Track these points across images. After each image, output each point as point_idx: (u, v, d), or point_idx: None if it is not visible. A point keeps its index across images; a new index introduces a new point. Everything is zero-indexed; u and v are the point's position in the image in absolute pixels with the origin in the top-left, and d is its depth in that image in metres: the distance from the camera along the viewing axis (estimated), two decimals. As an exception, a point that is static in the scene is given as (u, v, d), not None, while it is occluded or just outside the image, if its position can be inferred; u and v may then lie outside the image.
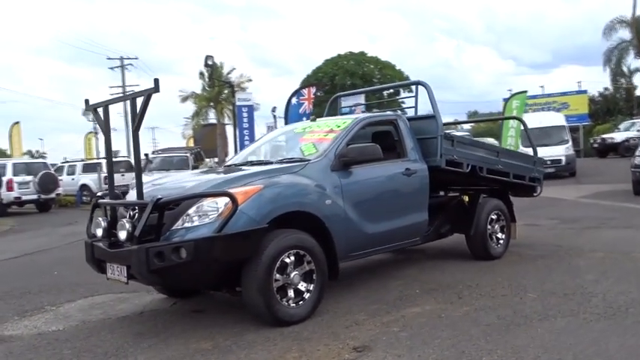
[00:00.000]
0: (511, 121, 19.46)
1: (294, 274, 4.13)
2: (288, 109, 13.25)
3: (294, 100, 13.53)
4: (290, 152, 5.06)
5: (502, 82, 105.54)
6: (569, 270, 5.60)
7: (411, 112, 6.30)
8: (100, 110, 4.46)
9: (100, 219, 4.31)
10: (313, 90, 14.20)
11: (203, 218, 3.88)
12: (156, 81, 3.76)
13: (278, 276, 4.04)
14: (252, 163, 5.08)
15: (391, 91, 43.28)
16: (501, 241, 6.39)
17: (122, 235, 3.95)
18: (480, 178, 6.16)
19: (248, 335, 3.97)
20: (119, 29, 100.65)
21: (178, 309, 4.88)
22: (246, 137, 17.57)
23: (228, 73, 28.29)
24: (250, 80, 30.36)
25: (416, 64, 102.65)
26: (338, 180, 4.61)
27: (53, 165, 22.09)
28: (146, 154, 17.41)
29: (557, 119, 20.96)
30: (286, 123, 12.83)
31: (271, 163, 4.89)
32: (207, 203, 3.92)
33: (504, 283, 5.16)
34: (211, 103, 27.61)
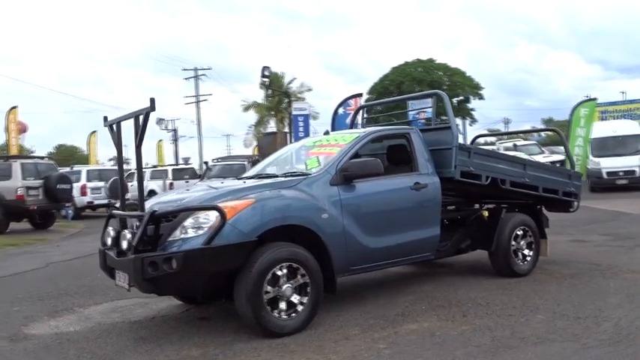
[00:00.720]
0: (578, 129, 18.55)
1: (286, 287, 4.20)
2: (335, 120, 13.32)
3: (340, 110, 13.60)
4: (296, 166, 5.15)
5: (587, 87, 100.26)
6: (594, 291, 5.30)
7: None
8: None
9: (111, 229, 4.59)
10: (360, 100, 14.18)
11: (196, 230, 4.05)
12: (152, 100, 3.97)
13: (269, 288, 4.13)
14: (260, 177, 5.22)
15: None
16: (528, 259, 6.14)
17: (124, 244, 4.20)
18: (504, 191, 5.97)
19: (238, 345, 4.08)
20: (200, 40, 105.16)
21: (187, 316, 5.09)
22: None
23: (289, 83, 28.90)
24: (310, 90, 30.76)
25: (493, 70, 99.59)
26: (337, 194, 4.64)
27: (127, 171, 23.45)
28: (206, 162, 18.07)
29: (632, 127, 19.67)
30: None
31: (276, 176, 5.00)
32: (202, 216, 4.08)
33: (518, 302, 4.97)
34: (272, 112, 28.26)
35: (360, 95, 15.10)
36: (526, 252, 6.14)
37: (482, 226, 6.02)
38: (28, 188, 13.80)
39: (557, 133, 8.12)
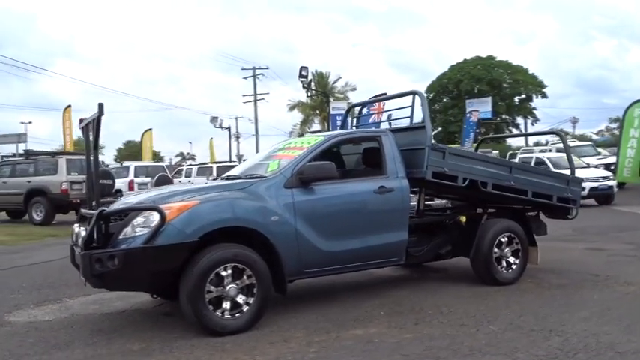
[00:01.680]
0: (632, 130, 17.46)
1: (230, 287, 4.28)
2: (359, 120, 13.24)
3: (365, 111, 13.49)
4: (260, 169, 5.22)
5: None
6: (571, 303, 5.05)
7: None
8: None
9: (76, 226, 4.85)
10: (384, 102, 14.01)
11: (142, 229, 4.21)
12: (100, 105, 4.17)
13: (212, 288, 4.23)
14: (228, 178, 5.33)
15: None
16: (514, 267, 5.91)
17: (80, 241, 4.43)
18: (487, 194, 5.79)
19: (180, 341, 4.21)
20: (268, 40, 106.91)
21: (156, 311, 5.27)
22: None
23: (334, 82, 28.96)
24: (354, 89, 30.58)
25: (569, 66, 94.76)
26: (291, 197, 4.67)
27: (188, 166, 24.48)
28: (239, 157, 18.47)
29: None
30: None
31: (240, 178, 5.10)
32: (148, 216, 4.24)
33: (481, 311, 4.82)
34: (316, 111, 28.40)
35: (384, 94, 14.87)
36: (511, 260, 5.92)
37: (464, 232, 5.85)
38: (72, 183, 14.63)
39: (558, 136, 7.70)
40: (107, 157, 50.67)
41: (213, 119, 32.70)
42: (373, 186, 5.12)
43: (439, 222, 5.97)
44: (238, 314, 4.33)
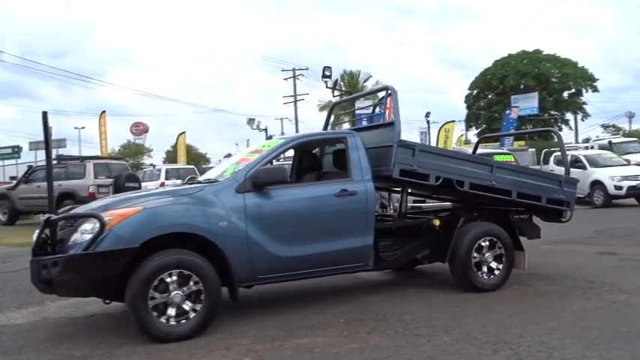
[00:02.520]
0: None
1: (175, 294, 4.24)
2: (373, 119, 12.98)
3: (377, 109, 13.19)
4: (221, 172, 5.15)
5: None
6: (546, 313, 4.74)
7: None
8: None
9: (36, 231, 4.92)
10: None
11: (87, 236, 4.23)
12: (44, 114, 4.22)
13: (156, 294, 4.19)
14: (190, 182, 5.30)
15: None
16: (496, 272, 5.61)
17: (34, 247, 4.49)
18: (465, 194, 5.54)
19: (124, 348, 4.18)
20: (315, 41, 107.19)
21: (121, 316, 5.28)
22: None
23: (365, 81, 28.51)
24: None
25: (630, 58, 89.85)
26: (242, 202, 4.58)
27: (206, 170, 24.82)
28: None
29: None
30: None
31: (200, 183, 5.06)
32: (92, 223, 4.25)
33: (445, 321, 4.58)
34: (346, 111, 28.04)
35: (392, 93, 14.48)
36: (494, 265, 5.61)
37: (440, 236, 5.60)
38: (99, 186, 15.06)
39: (553, 134, 7.22)
40: (156, 160, 52.04)
41: (250, 121, 32.96)
42: (334, 189, 4.96)
43: (416, 225, 5.73)
44: (184, 321, 4.28)
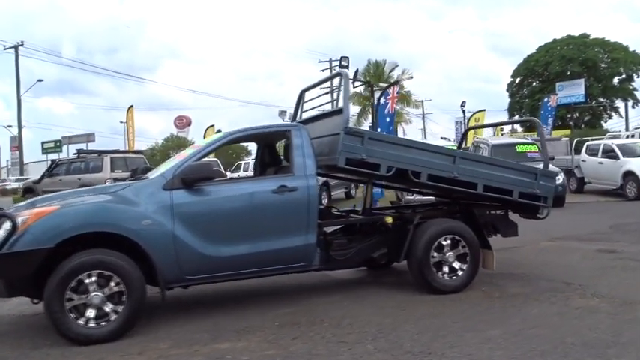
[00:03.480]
0: None
1: (94, 295, 4.11)
2: (377, 110, 12.49)
3: (382, 100, 12.67)
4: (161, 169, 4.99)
5: None
6: (497, 319, 4.37)
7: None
8: None
9: None
10: (397, 88, 13.04)
11: (2, 236, 4.14)
12: None
13: (74, 295, 4.07)
14: (133, 179, 5.17)
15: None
16: (460, 273, 5.23)
17: None
18: (424, 186, 5.20)
19: (42, 349, 4.07)
20: (362, 31, 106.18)
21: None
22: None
23: (391, 71, 27.84)
24: (411, 77, 29.20)
25: None
26: (169, 199, 4.40)
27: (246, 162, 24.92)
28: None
29: None
30: (373, 126, 12.14)
31: (139, 179, 4.92)
32: (8, 222, 4.16)
33: (383, 326, 4.28)
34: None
35: (397, 83, 13.89)
36: (456, 265, 5.23)
37: (397, 234, 5.26)
38: (115, 180, 15.30)
39: (533, 124, 6.61)
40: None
41: (282, 113, 32.82)
42: (272, 185, 4.72)
43: (370, 223, 5.40)
44: (105, 323, 4.15)
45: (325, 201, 17.19)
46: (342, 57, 18.52)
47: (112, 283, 4.16)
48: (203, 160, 4.88)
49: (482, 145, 15.76)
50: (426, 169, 5.09)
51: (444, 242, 5.18)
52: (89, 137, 25.39)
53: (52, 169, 16.77)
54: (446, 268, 5.19)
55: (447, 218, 5.40)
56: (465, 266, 5.24)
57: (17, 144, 31.90)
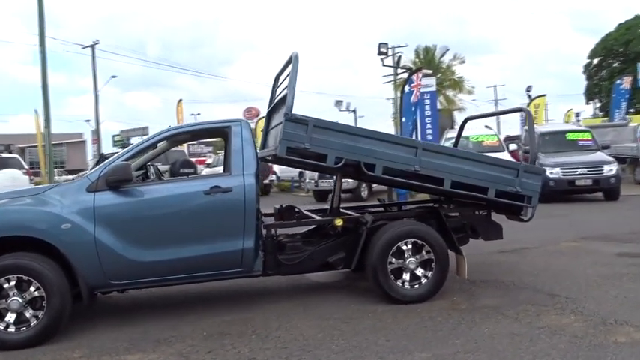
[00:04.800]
0: None
1: (13, 300, 4.02)
2: (402, 99, 11.74)
3: (407, 88, 11.87)
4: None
5: None
6: (438, 338, 3.85)
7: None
8: None
9: None
10: (420, 75, 12.13)
11: None
12: None
13: None
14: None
15: None
16: (423, 281, 4.71)
17: None
18: (381, 181, 4.73)
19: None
20: (438, 16, 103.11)
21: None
22: (429, 126, 16.30)
23: (442, 56, 26.46)
24: (463, 62, 27.60)
25: None
26: (92, 202, 4.21)
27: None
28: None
29: None
30: (400, 115, 11.45)
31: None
32: None
33: (306, 342, 3.91)
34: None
35: (419, 70, 12.91)
36: (419, 272, 4.72)
37: (354, 238, 4.81)
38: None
39: (523, 111, 5.77)
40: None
41: (338, 103, 32.57)
42: (204, 186, 4.43)
43: (321, 225, 4.98)
44: (24, 328, 4.05)
45: (365, 194, 16.78)
46: (380, 44, 18.01)
47: (32, 288, 4.06)
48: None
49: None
50: (380, 162, 4.60)
51: (404, 247, 4.68)
52: (144, 130, 26.37)
53: (99, 163, 17.41)
54: (406, 276, 4.69)
55: (411, 220, 4.88)
56: (429, 273, 4.72)
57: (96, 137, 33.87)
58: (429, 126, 16.80)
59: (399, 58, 17.08)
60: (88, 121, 34.79)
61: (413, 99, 11.53)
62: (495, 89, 50.51)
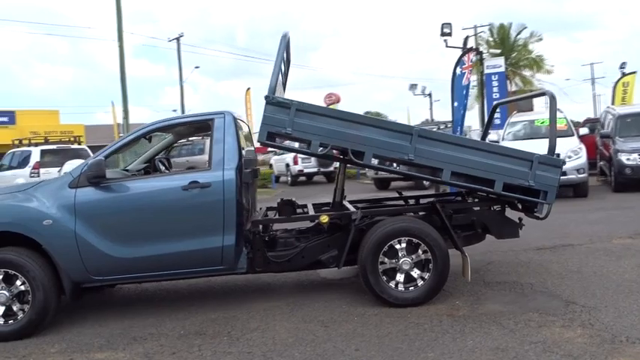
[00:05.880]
0: None
1: (-1, 293, 4.15)
2: (454, 82, 10.86)
3: (458, 71, 10.95)
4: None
5: None
6: (412, 352, 3.50)
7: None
8: None
9: None
10: (472, 56, 11.09)
11: None
12: None
13: None
14: None
15: None
16: (420, 282, 4.33)
17: None
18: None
19: None
20: None
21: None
22: (497, 109, 15.27)
23: (518, 34, 24.45)
24: (540, 39, 25.33)
25: None
26: (73, 198, 4.23)
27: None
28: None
29: None
30: (452, 99, 10.68)
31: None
32: None
33: (273, 346, 3.69)
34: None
35: (471, 50, 11.77)
36: (415, 274, 4.34)
37: (344, 236, 4.50)
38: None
39: (548, 95, 4.93)
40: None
41: (412, 87, 31.62)
42: (182, 181, 4.30)
43: (310, 221, 4.70)
44: (12, 322, 4.17)
45: (428, 182, 16.09)
46: (443, 24, 17.03)
47: (19, 282, 4.16)
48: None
49: (609, 115, 13.37)
50: (370, 148, 4.26)
51: (397, 246, 4.32)
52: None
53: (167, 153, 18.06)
54: (401, 277, 4.33)
55: (406, 216, 4.49)
56: (427, 275, 4.33)
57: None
58: (497, 109, 15.80)
59: (466, 38, 16.10)
60: (174, 110, 36.24)
61: (464, 82, 10.78)
62: (592, 67, 46.89)
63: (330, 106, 53.01)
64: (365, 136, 4.26)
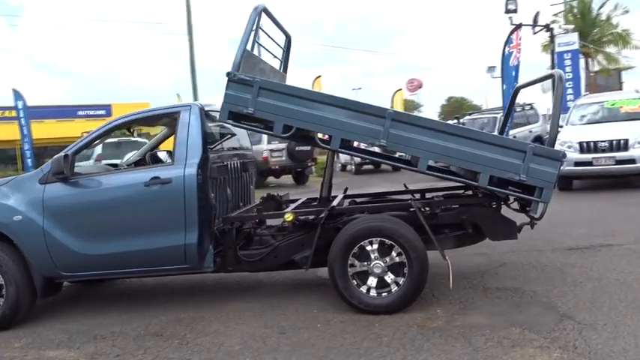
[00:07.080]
0: None
1: (-30, 288, 4.25)
2: (503, 62, 9.79)
3: (506, 50, 9.83)
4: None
5: None
6: (357, 366, 3.14)
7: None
8: None
9: None
10: (520, 33, 9.83)
11: None
12: None
13: None
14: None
15: None
16: (394, 288, 3.92)
17: None
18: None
19: None
20: None
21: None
22: (570, 91, 13.97)
23: (600, 8, 21.95)
24: (627, 12, 22.59)
25: None
26: (42, 194, 4.23)
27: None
28: (457, 118, 16.57)
29: None
30: (502, 80, 9.71)
31: None
32: None
33: (210, 349, 3.47)
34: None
35: (520, 27, 10.40)
36: (389, 278, 3.93)
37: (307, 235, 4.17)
38: (272, 151, 16.02)
39: (556, 76, 4.09)
40: (432, 115, 51.69)
41: (490, 69, 29.90)
42: (144, 177, 4.16)
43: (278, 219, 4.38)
44: (-17, 318, 4.26)
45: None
46: (507, 1, 15.78)
47: (-9, 277, 4.24)
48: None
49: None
50: (338, 132, 3.90)
51: (368, 247, 3.93)
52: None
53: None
54: (372, 282, 3.94)
55: (381, 215, 4.07)
56: (402, 280, 3.90)
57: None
58: (569, 90, 14.58)
59: (537, 14, 14.77)
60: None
61: (512, 62, 9.85)
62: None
63: (412, 94, 51.13)
64: (332, 118, 3.89)
